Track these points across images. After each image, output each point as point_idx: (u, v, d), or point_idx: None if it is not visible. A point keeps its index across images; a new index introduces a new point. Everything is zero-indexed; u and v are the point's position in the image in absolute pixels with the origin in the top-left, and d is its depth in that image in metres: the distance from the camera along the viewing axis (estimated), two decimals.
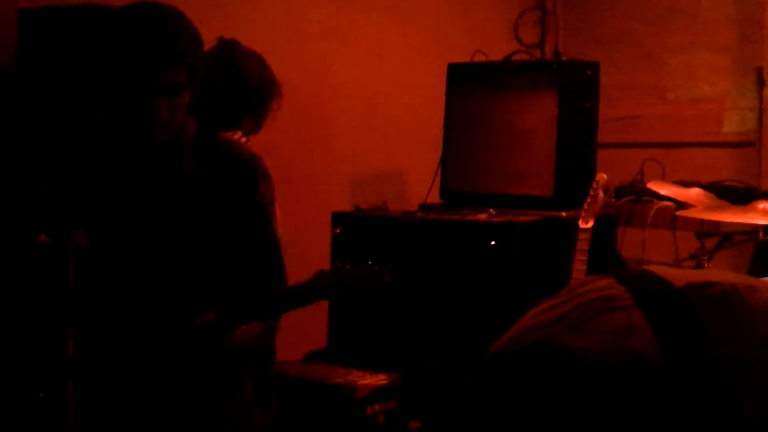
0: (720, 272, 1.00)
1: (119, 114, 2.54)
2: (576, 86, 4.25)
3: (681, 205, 3.97)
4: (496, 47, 4.81)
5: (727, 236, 4.15)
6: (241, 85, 3.45)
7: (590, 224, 3.65)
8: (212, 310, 2.53)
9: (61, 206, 2.61)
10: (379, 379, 3.88)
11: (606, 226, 4.04)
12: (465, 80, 4.48)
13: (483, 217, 3.97)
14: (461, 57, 4.65)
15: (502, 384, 0.94)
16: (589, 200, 3.72)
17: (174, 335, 2.52)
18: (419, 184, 4.68)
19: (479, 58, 4.61)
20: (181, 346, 2.53)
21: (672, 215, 4.07)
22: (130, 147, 2.61)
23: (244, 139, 3.45)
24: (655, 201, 4.19)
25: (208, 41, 3.52)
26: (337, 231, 4.15)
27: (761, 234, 3.84)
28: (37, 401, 2.56)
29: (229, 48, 3.49)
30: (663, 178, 4.40)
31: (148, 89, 2.47)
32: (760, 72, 5.16)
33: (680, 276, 0.96)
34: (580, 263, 3.59)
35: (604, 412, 0.88)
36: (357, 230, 4.16)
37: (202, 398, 2.64)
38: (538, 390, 0.91)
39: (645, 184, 4.24)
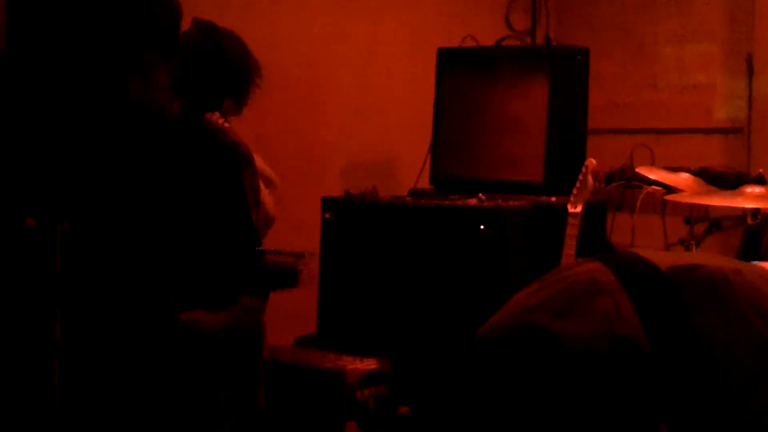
0: (706, 255, 1.00)
1: (95, 92, 2.54)
2: (566, 72, 4.24)
3: (670, 190, 3.98)
4: (486, 33, 4.80)
5: (716, 221, 4.16)
6: (224, 67, 3.45)
7: (579, 209, 3.65)
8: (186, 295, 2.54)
9: (47, 189, 2.60)
10: (369, 365, 3.88)
11: (596, 211, 4.04)
12: (455, 65, 4.47)
13: (473, 202, 3.98)
14: (452, 42, 4.63)
15: (489, 369, 0.94)
16: (578, 185, 3.72)
17: (155, 319, 2.52)
18: (410, 169, 4.68)
19: (469, 43, 4.60)
20: (163, 329, 2.53)
21: (661, 200, 4.07)
22: (108, 125, 2.60)
23: (222, 121, 3.45)
24: (645, 186, 4.19)
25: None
26: (327, 216, 4.15)
27: (750, 219, 3.85)
28: (24, 384, 2.55)
29: (210, 31, 3.48)
30: (653, 164, 4.40)
31: (120, 66, 2.47)
32: (749, 59, 5.16)
33: (666, 259, 0.96)
34: (569, 248, 3.60)
35: (592, 396, 0.88)
36: (347, 215, 4.16)
37: (186, 383, 2.64)
38: (525, 375, 0.91)
39: (634, 170, 4.24)
